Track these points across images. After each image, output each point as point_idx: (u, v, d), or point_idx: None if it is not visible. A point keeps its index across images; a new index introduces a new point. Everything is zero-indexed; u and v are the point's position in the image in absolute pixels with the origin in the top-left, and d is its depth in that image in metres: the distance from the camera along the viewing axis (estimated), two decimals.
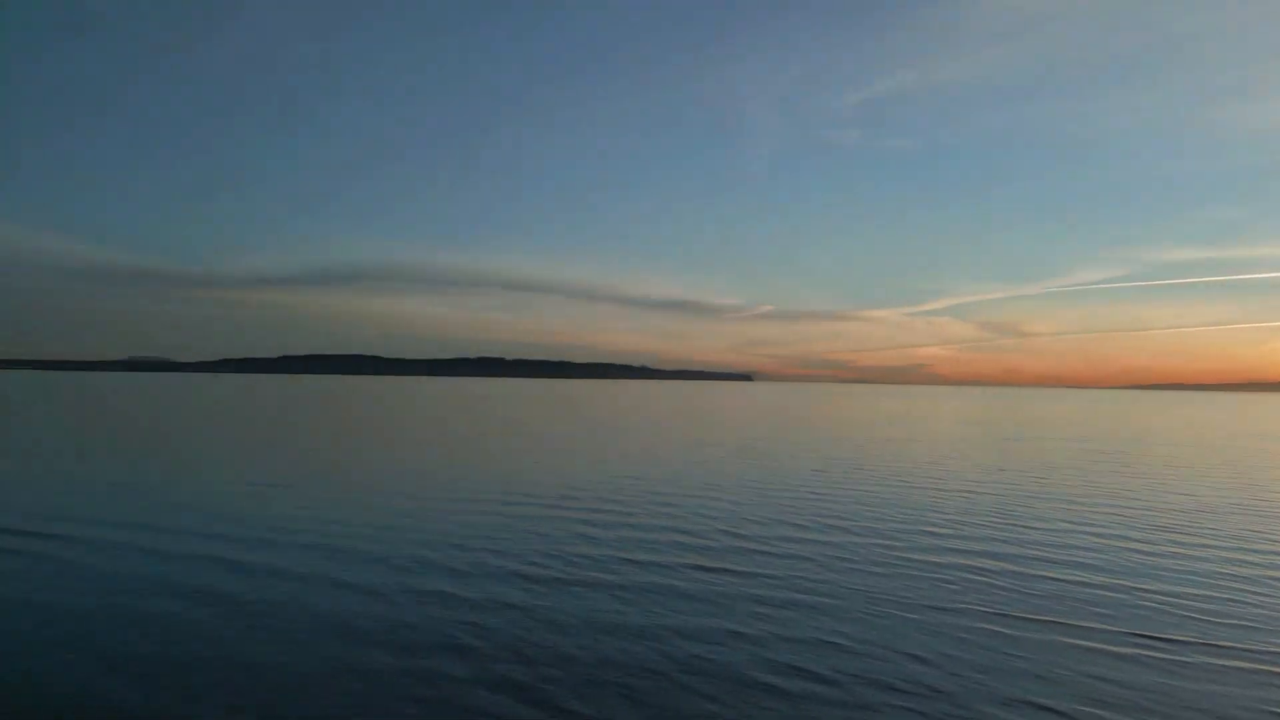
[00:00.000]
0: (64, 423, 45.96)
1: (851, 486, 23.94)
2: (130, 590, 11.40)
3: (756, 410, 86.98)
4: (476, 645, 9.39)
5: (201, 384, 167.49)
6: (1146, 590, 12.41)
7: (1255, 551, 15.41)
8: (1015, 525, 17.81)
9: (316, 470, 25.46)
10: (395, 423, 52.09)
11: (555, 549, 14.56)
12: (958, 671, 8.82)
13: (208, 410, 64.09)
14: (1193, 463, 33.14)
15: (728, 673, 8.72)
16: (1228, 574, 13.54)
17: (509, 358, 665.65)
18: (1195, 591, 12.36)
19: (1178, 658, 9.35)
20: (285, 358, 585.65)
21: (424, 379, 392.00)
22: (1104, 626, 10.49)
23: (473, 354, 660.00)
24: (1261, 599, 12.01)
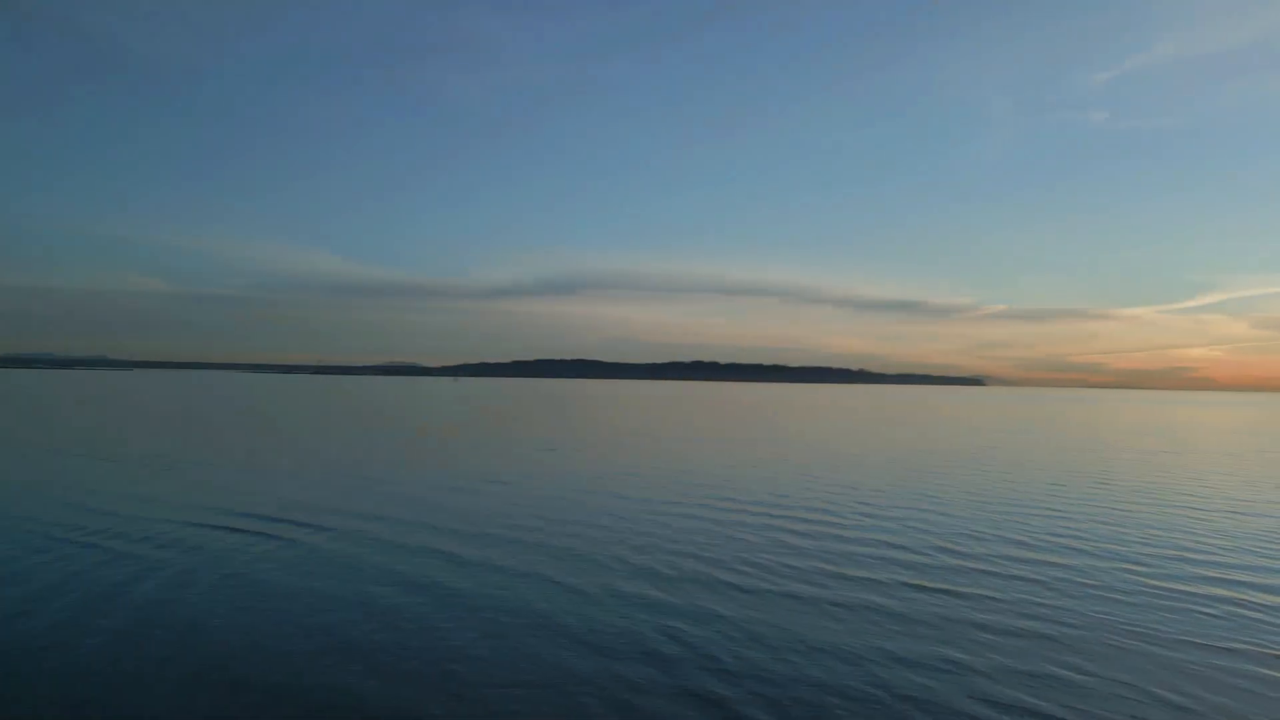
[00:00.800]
0: (333, 421, 51.92)
1: (1093, 503, 21.58)
2: (360, 577, 12.39)
3: (986, 416, 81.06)
4: (673, 654, 9.33)
5: (442, 387, 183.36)
6: None
7: None
8: None
9: (534, 468, 26.75)
10: (609, 424, 53.91)
11: (760, 558, 14.26)
12: None
13: (446, 410, 69.75)
14: None
15: (943, 706, 8.02)
16: None
17: (723, 361, 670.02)
18: None
19: None
20: (516, 363, 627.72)
21: (642, 382, 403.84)
22: None
23: (688, 358, 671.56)
24: None
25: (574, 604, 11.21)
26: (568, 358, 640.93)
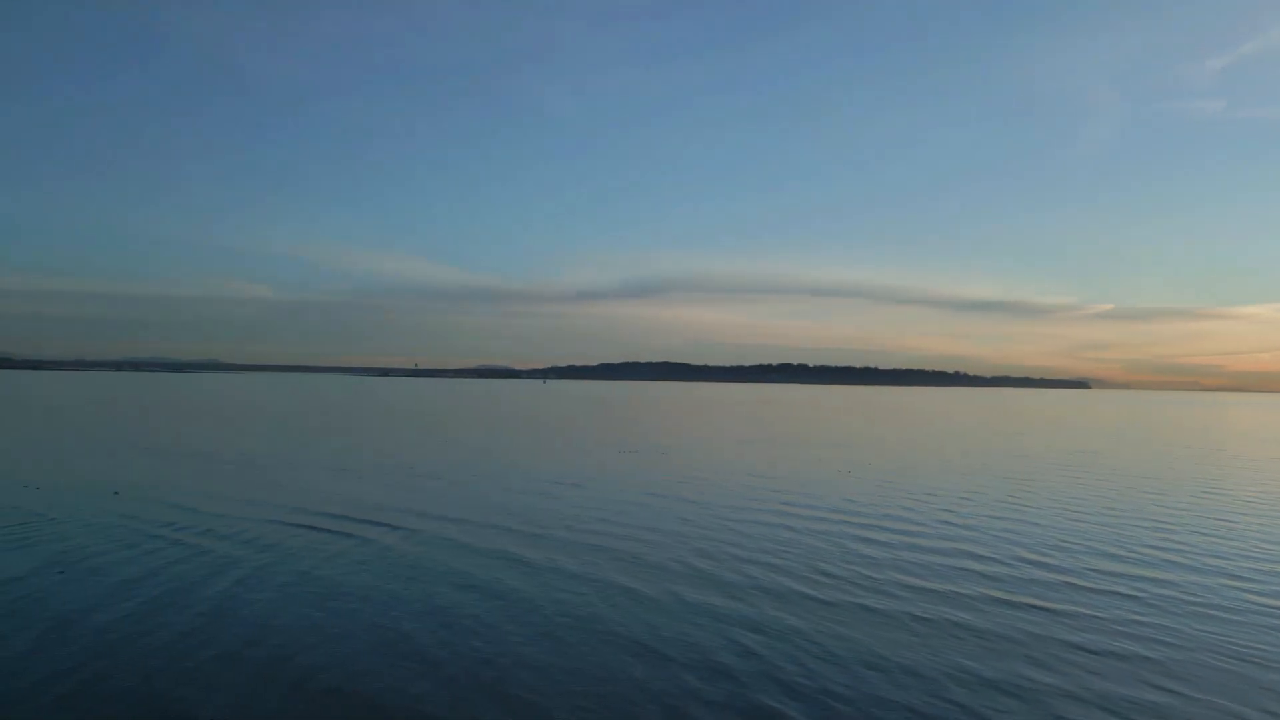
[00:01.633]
0: (422, 422, 53.34)
1: (1200, 512, 20.11)
2: (426, 577, 12.49)
3: (1089, 420, 77.11)
4: (737, 666, 9.01)
5: (532, 388, 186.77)
6: None
7: None
8: None
9: (612, 470, 26.69)
10: (693, 427, 53.56)
11: (833, 567, 13.74)
12: None
13: (532, 412, 70.72)
14: None
15: None
16: None
17: (812, 364, 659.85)
18: None
19: None
20: (603, 365, 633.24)
21: (729, 385, 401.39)
22: None
23: (775, 360, 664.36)
24: None
25: (638, 611, 11.01)
26: (654, 360, 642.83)
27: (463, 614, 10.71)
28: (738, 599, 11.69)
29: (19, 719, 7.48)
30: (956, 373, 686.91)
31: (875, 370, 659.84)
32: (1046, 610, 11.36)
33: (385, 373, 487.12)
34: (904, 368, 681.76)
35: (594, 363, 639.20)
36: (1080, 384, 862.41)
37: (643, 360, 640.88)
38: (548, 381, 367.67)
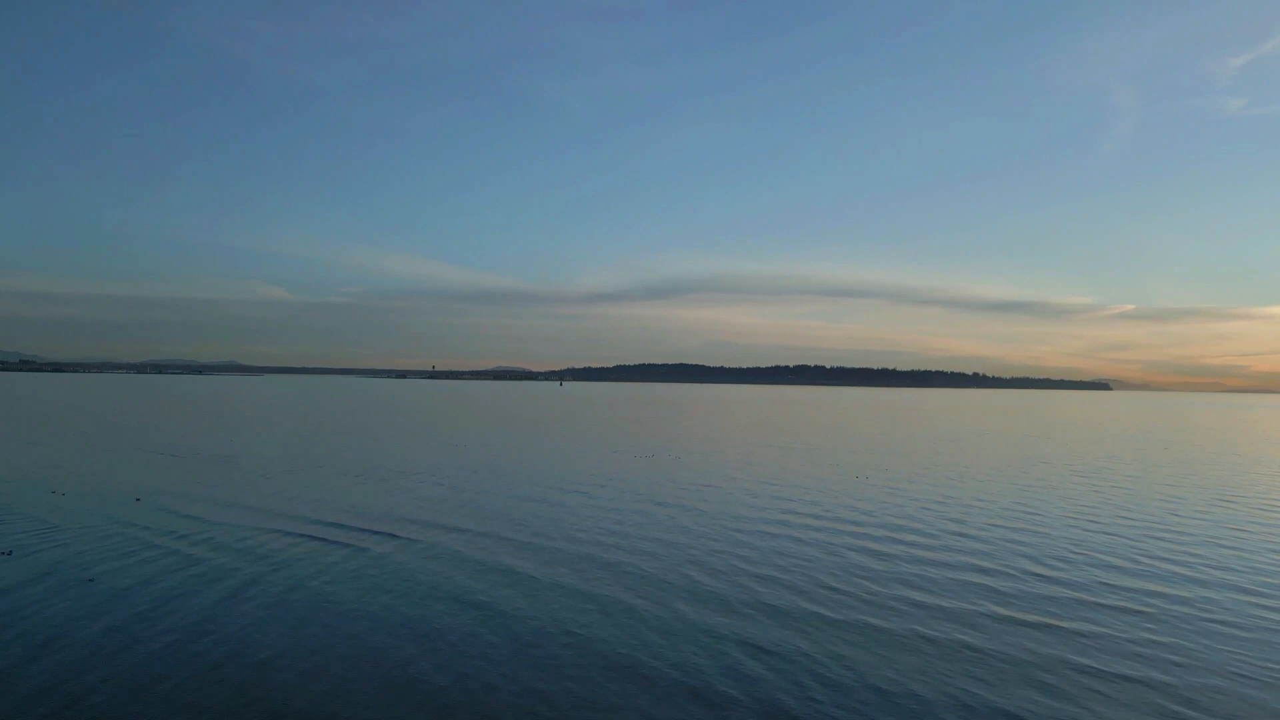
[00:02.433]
0: (432, 427, 53.33)
1: (1216, 521, 19.60)
2: (417, 592, 12.25)
3: (1108, 423, 76.06)
4: (730, 693, 8.67)
5: (548, 390, 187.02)
6: None
7: None
8: None
9: (623, 476, 26.35)
10: (709, 430, 53.16)
11: (836, 582, 13.38)
12: None
13: (547, 416, 70.59)
14: None
15: None
16: None
17: (828, 365, 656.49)
18: None
19: None
20: (619, 367, 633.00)
21: (745, 386, 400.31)
22: None
23: (792, 362, 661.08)
24: None
25: (637, 631, 10.67)
26: (669, 362, 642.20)
27: (450, 633, 10.46)
28: (739, 617, 11.36)
29: None
30: (976, 374, 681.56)
31: (893, 372, 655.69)
32: (1053, 629, 10.99)
33: (403, 375, 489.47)
34: (922, 369, 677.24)
35: (610, 364, 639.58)
36: (1101, 385, 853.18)
37: (658, 362, 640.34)
38: (564, 384, 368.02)
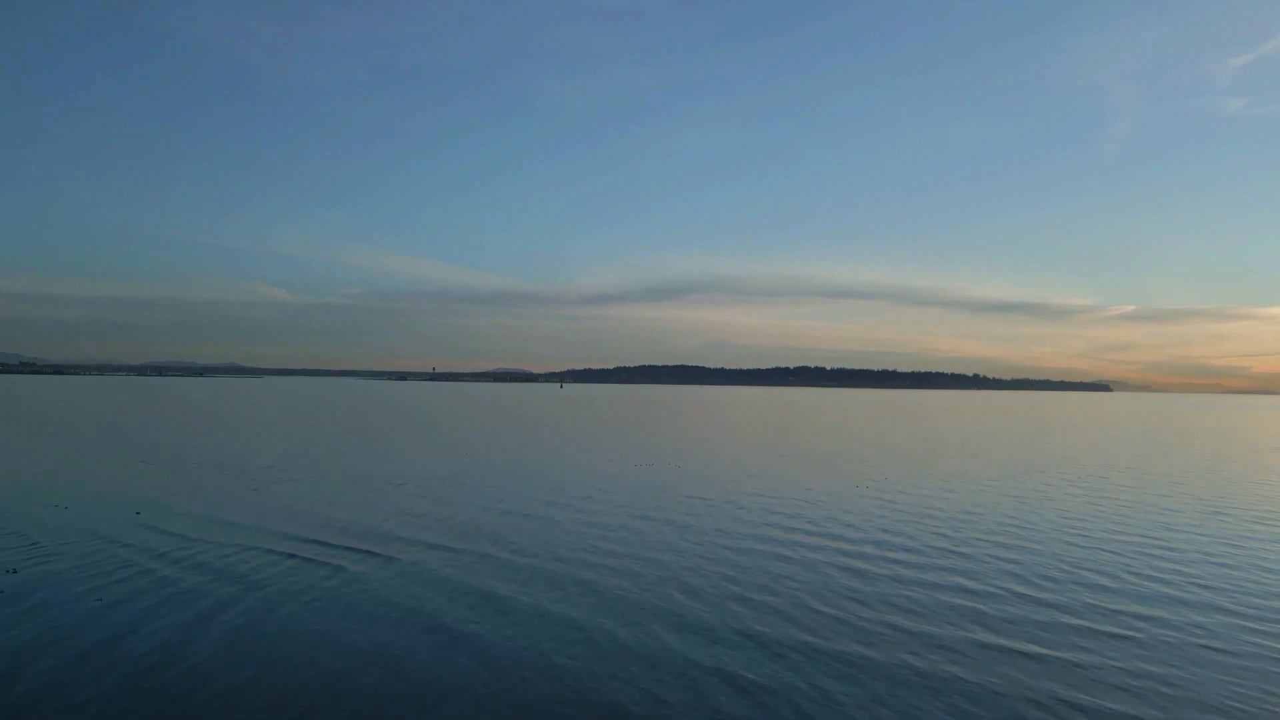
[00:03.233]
0: (428, 431, 53.10)
1: (1211, 535, 19.28)
2: (386, 619, 11.98)
3: (1107, 425, 75.70)
4: None
5: (549, 392, 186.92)
6: None
7: None
8: None
9: (609, 487, 26.00)
10: (708, 435, 52.89)
11: (825, 606, 13.07)
12: None
13: (547, 419, 70.35)
14: None
15: None
16: None
17: (829, 366, 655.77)
18: None
19: None
20: (619, 368, 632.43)
21: (747, 388, 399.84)
22: None
23: (793, 363, 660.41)
24: None
25: (617, 663, 10.30)
26: (670, 363, 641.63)
27: (422, 661, 10.19)
28: (721, 646, 11.00)
29: None
30: (976, 375, 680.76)
31: (894, 373, 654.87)
32: (1038, 658, 10.68)
33: (403, 376, 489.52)
34: (923, 370, 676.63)
35: (610, 366, 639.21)
36: (1102, 386, 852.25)
37: (659, 363, 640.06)
38: (564, 386, 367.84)
